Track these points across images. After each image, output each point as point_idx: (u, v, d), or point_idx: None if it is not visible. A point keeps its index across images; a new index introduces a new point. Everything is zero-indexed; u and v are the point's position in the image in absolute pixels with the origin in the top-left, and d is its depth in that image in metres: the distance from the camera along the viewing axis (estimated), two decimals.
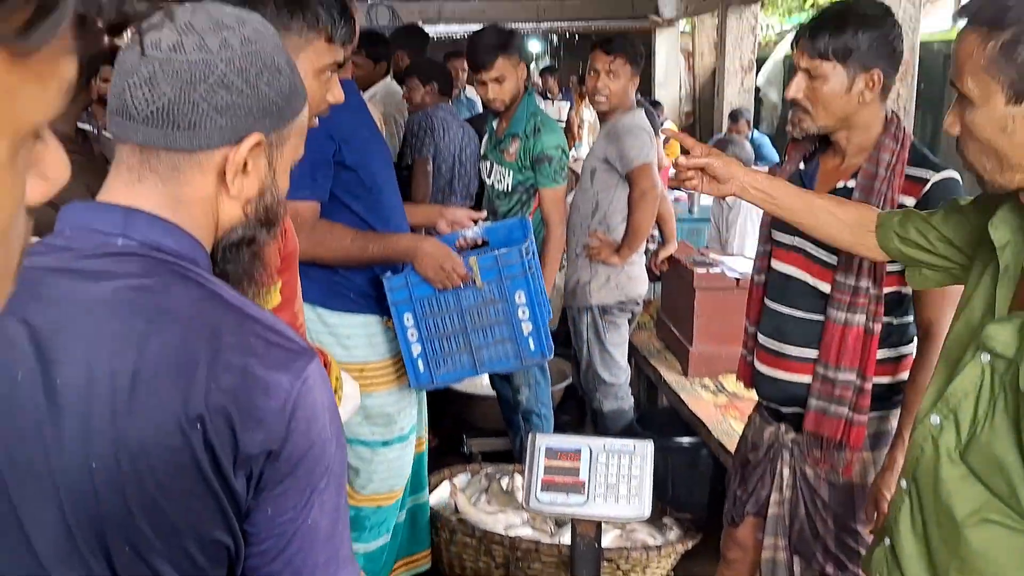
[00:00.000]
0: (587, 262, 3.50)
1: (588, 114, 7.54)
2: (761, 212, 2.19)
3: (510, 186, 3.27)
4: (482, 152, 3.50)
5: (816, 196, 1.83)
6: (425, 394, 2.69)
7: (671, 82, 10.60)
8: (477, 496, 3.15)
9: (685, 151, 1.88)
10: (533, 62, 12.84)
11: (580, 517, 1.83)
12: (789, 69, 2.30)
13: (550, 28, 11.57)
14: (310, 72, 1.57)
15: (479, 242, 2.60)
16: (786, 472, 2.14)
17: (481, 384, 4.06)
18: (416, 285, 2.32)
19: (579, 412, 4.40)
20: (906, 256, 1.69)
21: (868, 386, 1.97)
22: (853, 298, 1.93)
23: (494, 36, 3.19)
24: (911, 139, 1.97)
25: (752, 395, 2.31)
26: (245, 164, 0.93)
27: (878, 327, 1.94)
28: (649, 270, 3.69)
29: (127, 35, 0.38)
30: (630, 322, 3.66)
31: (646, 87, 3.16)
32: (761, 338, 2.15)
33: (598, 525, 1.86)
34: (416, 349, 2.38)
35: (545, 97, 9.56)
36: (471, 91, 7.18)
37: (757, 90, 8.73)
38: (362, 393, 1.93)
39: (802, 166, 2.09)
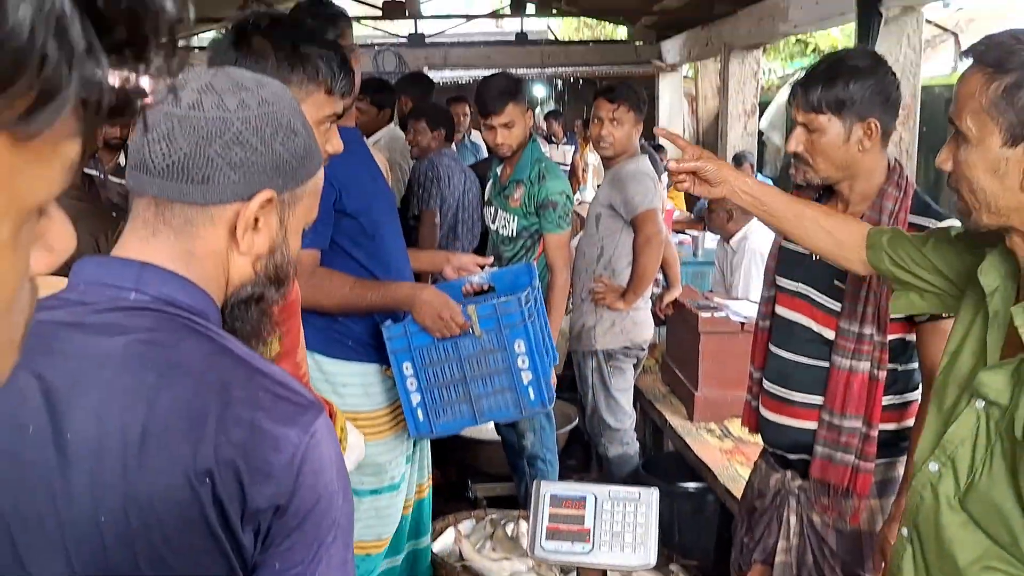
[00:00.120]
0: (592, 307, 3.51)
1: (592, 158, 7.60)
2: (766, 256, 2.20)
3: (515, 231, 3.29)
4: (486, 197, 3.53)
5: (806, 205, 1.83)
6: (428, 440, 2.67)
7: (674, 126, 10.68)
8: (482, 543, 3.12)
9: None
10: (538, 106, 12.97)
11: (585, 566, 1.81)
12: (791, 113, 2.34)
13: (555, 73, 11.70)
14: (310, 123, 1.59)
15: (485, 288, 2.61)
16: (793, 519, 2.12)
17: (486, 429, 4.04)
18: (415, 334, 2.31)
19: (584, 456, 4.37)
20: (896, 278, 1.68)
21: (874, 433, 1.96)
22: (857, 345, 1.93)
23: (505, 82, 3.25)
24: (914, 187, 1.99)
25: (758, 440, 2.30)
26: (256, 221, 0.95)
27: (883, 374, 1.94)
28: (654, 314, 3.70)
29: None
30: (636, 367, 3.65)
31: (650, 131, 3.20)
32: (766, 384, 2.14)
33: (603, 573, 1.84)
34: (415, 398, 2.36)
35: (550, 141, 9.63)
36: (476, 135, 7.26)
37: (760, 133, 8.79)
38: None
39: None
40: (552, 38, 12.29)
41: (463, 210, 4.30)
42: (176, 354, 0.88)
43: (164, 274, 0.91)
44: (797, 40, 11.34)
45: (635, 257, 3.42)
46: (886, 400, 1.97)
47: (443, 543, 3.07)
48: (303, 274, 2.03)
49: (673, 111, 10.68)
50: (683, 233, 6.03)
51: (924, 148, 5.38)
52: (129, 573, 0.85)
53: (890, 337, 1.94)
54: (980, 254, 1.43)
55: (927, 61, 5.59)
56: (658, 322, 3.80)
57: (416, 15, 9.34)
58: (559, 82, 13.79)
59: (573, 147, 9.29)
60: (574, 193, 4.59)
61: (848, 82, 1.89)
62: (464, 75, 10.95)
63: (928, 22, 6.13)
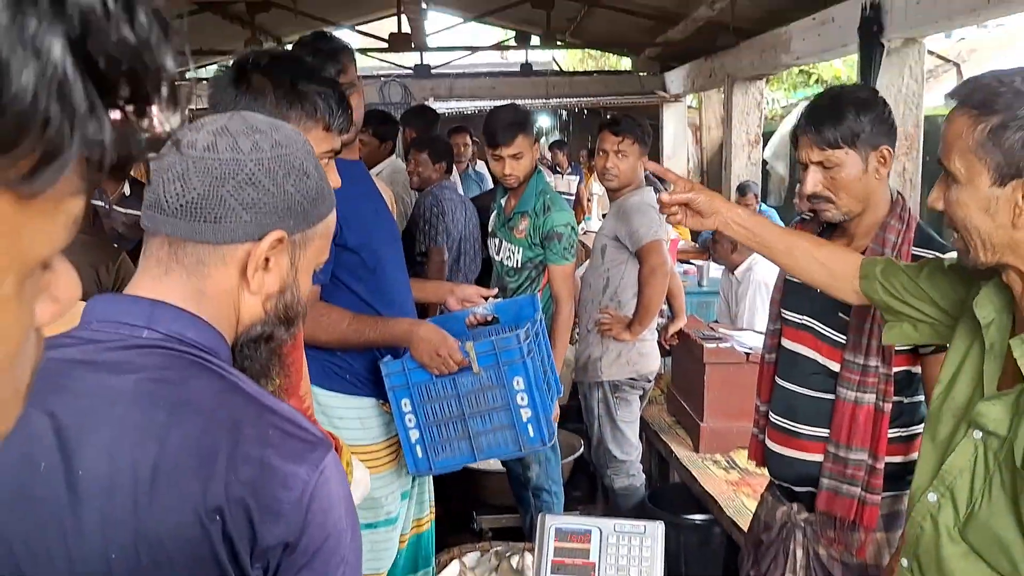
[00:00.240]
0: (598, 337, 3.51)
1: (597, 187, 7.64)
2: (771, 286, 2.20)
3: (520, 262, 3.30)
4: (490, 229, 3.54)
5: (799, 236, 1.85)
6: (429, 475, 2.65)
7: (679, 155, 10.73)
8: (487, 575, 3.10)
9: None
10: (543, 137, 13.05)
11: None
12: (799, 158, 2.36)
13: (559, 104, 11.78)
14: None
15: (489, 319, 2.61)
16: (799, 552, 2.11)
17: (491, 460, 4.03)
18: (413, 370, 2.30)
19: (590, 487, 4.35)
20: (889, 307, 1.69)
21: (880, 465, 1.95)
22: (863, 377, 1.93)
23: (514, 114, 3.28)
24: (916, 219, 1.99)
25: (764, 472, 2.29)
26: (267, 261, 0.96)
27: (888, 406, 1.93)
28: (659, 345, 3.70)
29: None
30: (641, 398, 3.65)
31: (654, 160, 3.22)
32: (772, 416, 2.14)
33: None
34: (414, 435, 2.35)
35: (555, 171, 9.68)
36: (481, 166, 7.31)
37: (764, 163, 8.82)
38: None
39: None
40: (557, 69, 12.37)
41: (464, 241, 4.34)
42: (187, 392, 0.89)
43: (176, 312, 0.93)
44: (800, 71, 11.41)
45: (641, 288, 3.42)
46: (892, 432, 1.96)
47: None
48: None
49: (677, 141, 10.73)
50: (687, 263, 6.04)
51: (928, 178, 5.39)
52: None
53: (895, 369, 1.94)
54: (974, 284, 1.45)
55: (929, 91, 5.62)
56: (663, 352, 3.80)
57: (422, 47, 9.42)
58: (564, 112, 13.87)
59: (578, 177, 9.34)
60: (579, 223, 4.61)
61: (857, 114, 1.90)
62: (469, 106, 11.03)
63: (930, 53, 6.18)
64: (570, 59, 15.58)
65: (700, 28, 7.55)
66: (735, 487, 3.20)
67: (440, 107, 10.34)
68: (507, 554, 3.23)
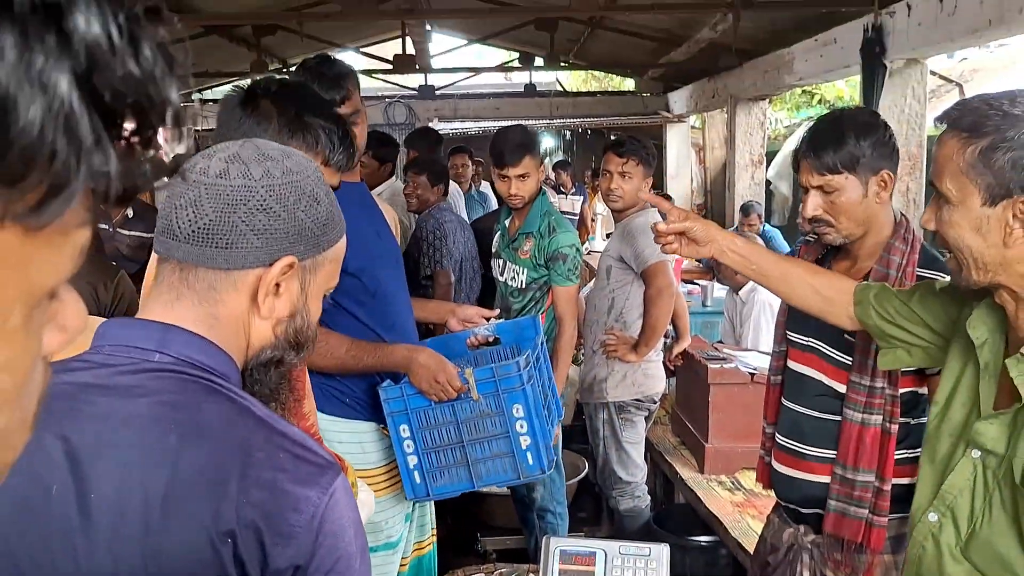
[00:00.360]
0: (604, 358, 3.50)
1: (601, 208, 7.64)
2: (775, 307, 2.20)
3: (524, 283, 3.30)
4: (494, 250, 3.54)
5: (793, 263, 1.87)
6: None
7: (682, 175, 10.76)
8: None
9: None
10: (547, 157, 13.09)
11: None
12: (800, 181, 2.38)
13: (563, 124, 11.83)
14: None
15: (490, 340, 2.60)
16: (806, 575, 2.09)
17: None
18: (412, 396, 2.28)
19: (595, 508, 4.33)
20: (883, 332, 1.71)
21: (887, 487, 1.95)
22: (869, 399, 1.93)
23: (522, 135, 3.30)
24: (921, 241, 1.99)
25: (769, 493, 2.28)
26: (278, 286, 0.97)
27: (895, 427, 1.93)
28: (664, 365, 3.69)
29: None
30: (647, 419, 3.64)
31: (658, 180, 3.23)
32: (779, 438, 2.13)
33: None
34: (412, 460, 2.33)
35: (558, 191, 9.71)
36: (485, 186, 7.34)
37: (768, 183, 8.84)
38: None
39: None
40: (560, 90, 12.44)
41: (464, 262, 4.40)
42: (198, 415, 0.90)
43: (187, 336, 0.94)
44: (803, 91, 11.45)
45: (646, 309, 3.42)
46: (899, 454, 1.96)
47: None
48: None
49: (681, 161, 10.76)
50: (692, 283, 6.04)
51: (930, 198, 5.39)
52: None
53: (901, 390, 1.94)
54: (966, 305, 1.48)
55: (932, 112, 5.62)
56: (668, 373, 3.79)
57: (426, 68, 9.48)
58: (567, 133, 13.93)
59: (582, 197, 9.36)
60: (583, 243, 4.62)
61: (857, 139, 1.91)
62: (473, 126, 11.08)
63: (932, 73, 6.19)
64: (574, 80, 15.65)
65: (703, 49, 7.60)
66: (740, 508, 3.18)
67: (444, 128, 10.40)
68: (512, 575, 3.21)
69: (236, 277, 0.95)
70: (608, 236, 5.81)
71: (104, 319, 1.04)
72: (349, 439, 2.32)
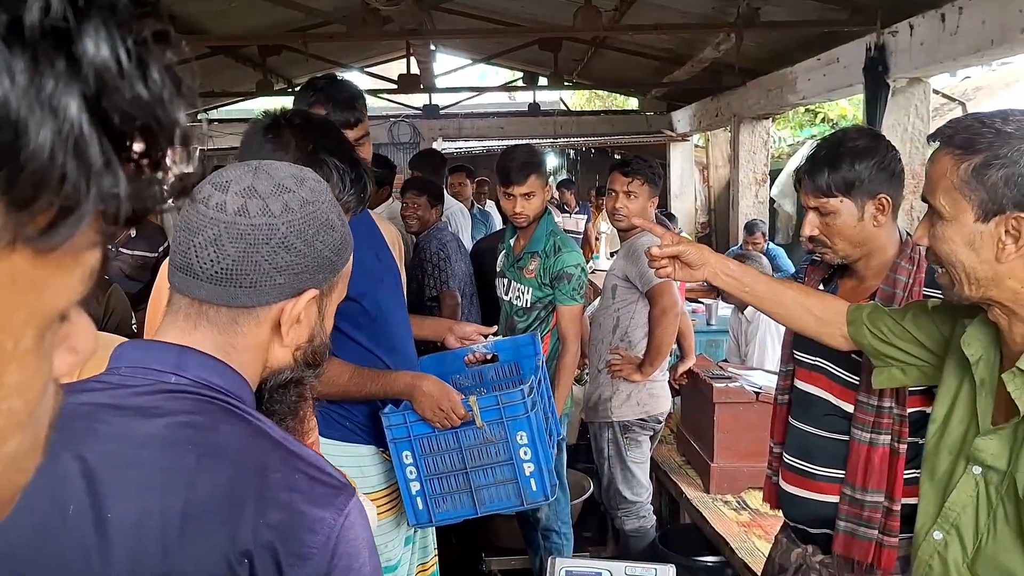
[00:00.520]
0: (609, 378, 3.50)
1: (605, 226, 7.66)
2: (781, 326, 2.20)
3: (529, 302, 3.30)
4: (499, 269, 3.55)
5: (787, 285, 1.90)
6: None
7: (686, 194, 10.78)
8: None
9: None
10: (551, 176, 13.13)
11: None
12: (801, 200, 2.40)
13: (567, 143, 11.87)
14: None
15: (488, 357, 2.60)
16: None
17: None
18: (415, 423, 2.27)
19: (600, 528, 4.31)
20: (878, 352, 1.73)
21: (896, 507, 1.94)
22: (877, 418, 1.92)
23: (529, 154, 3.33)
24: (927, 260, 1.99)
25: (775, 513, 2.27)
26: (298, 315, 0.98)
27: (904, 447, 1.92)
28: (668, 384, 3.68)
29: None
30: (652, 439, 3.62)
31: (662, 199, 3.25)
32: (787, 458, 2.13)
33: None
34: (415, 487, 2.32)
35: (563, 210, 9.73)
36: (490, 205, 7.36)
37: (772, 201, 8.85)
38: None
39: (821, 287, 2.11)
40: (564, 109, 12.48)
41: (464, 283, 4.42)
42: (215, 436, 0.91)
43: (203, 358, 0.94)
44: (807, 109, 11.48)
45: (651, 329, 3.42)
46: (908, 474, 1.94)
47: None
48: None
49: (684, 180, 10.78)
50: (697, 302, 6.03)
51: None
52: None
53: (909, 410, 1.93)
54: (958, 322, 1.50)
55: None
56: (673, 392, 3.78)
57: (430, 88, 9.53)
58: (571, 152, 13.97)
59: (586, 216, 9.37)
60: (587, 262, 4.63)
61: (853, 163, 1.92)
62: (477, 146, 11.12)
63: (935, 92, 6.21)
64: (577, 99, 15.72)
65: (706, 68, 7.63)
66: (746, 528, 3.17)
67: (448, 147, 10.43)
68: None
69: (259, 312, 0.96)
70: (612, 255, 5.82)
71: (122, 339, 1.05)
72: (349, 463, 2.30)
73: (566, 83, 10.16)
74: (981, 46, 4.35)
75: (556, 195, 10.21)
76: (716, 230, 10.25)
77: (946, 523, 1.40)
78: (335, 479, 0.93)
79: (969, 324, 1.46)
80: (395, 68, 9.06)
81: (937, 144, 1.40)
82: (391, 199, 4.99)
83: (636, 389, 3.46)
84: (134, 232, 4.57)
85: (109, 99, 0.33)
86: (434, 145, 9.55)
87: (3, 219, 0.31)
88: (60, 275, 0.35)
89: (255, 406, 0.99)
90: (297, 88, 9.31)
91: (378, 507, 2.36)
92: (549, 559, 1.86)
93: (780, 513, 2.23)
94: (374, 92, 9.24)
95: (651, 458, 3.70)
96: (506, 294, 3.43)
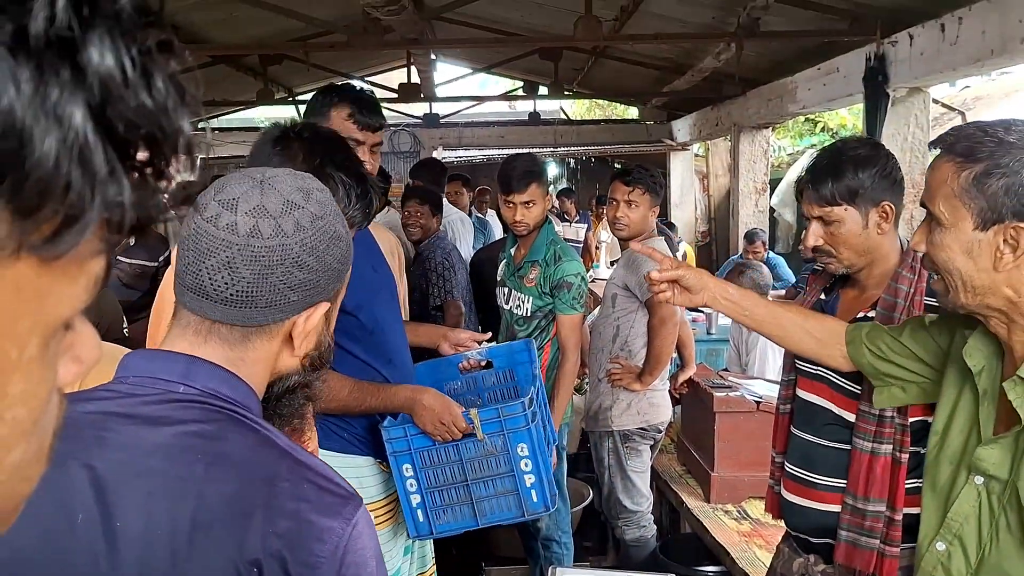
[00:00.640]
0: (609, 387, 3.49)
1: (605, 235, 7.66)
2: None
3: (529, 311, 3.30)
4: (499, 278, 3.55)
5: (785, 308, 1.91)
6: None
7: (686, 203, 10.78)
8: None
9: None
10: (552, 185, 13.14)
11: None
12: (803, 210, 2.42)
13: (567, 152, 11.88)
14: None
15: (483, 364, 2.60)
16: None
17: None
18: (415, 436, 2.27)
19: (601, 537, 4.30)
20: (877, 371, 1.73)
21: (898, 517, 1.93)
22: (879, 428, 1.92)
23: (530, 163, 3.34)
24: (923, 266, 1.99)
25: (776, 523, 2.26)
26: None
27: (906, 457, 1.92)
28: (669, 393, 3.67)
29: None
30: (652, 448, 3.62)
31: (662, 208, 3.26)
32: (788, 467, 2.12)
33: None
34: (415, 499, 2.31)
35: (563, 219, 9.74)
36: (491, 214, 7.37)
37: (771, 210, 8.85)
38: None
39: (823, 297, 2.11)
40: (564, 118, 12.50)
41: (466, 292, 4.43)
42: (224, 446, 0.91)
43: (211, 368, 0.95)
44: (807, 119, 11.50)
45: (650, 338, 3.41)
46: (910, 483, 1.94)
47: None
48: None
49: (684, 189, 10.79)
50: (696, 310, 6.03)
51: None
52: None
53: (911, 419, 1.92)
54: (956, 334, 1.51)
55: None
56: (673, 401, 3.78)
57: (431, 97, 9.55)
58: (571, 161, 13.99)
59: (586, 225, 9.38)
60: (587, 271, 4.64)
61: (856, 171, 1.92)
62: (478, 154, 11.13)
63: (935, 102, 6.22)
64: (578, 108, 15.75)
65: (706, 78, 7.64)
66: (747, 538, 3.16)
67: (448, 156, 10.44)
68: None
69: (271, 327, 0.97)
70: (612, 264, 5.82)
71: (122, 348, 1.06)
72: (348, 474, 2.27)
73: (566, 92, 10.17)
74: (981, 56, 4.36)
75: (556, 204, 10.22)
76: (716, 239, 10.25)
77: (949, 534, 1.40)
78: (343, 488, 0.94)
79: (970, 335, 1.46)
80: (396, 77, 9.09)
81: (938, 151, 1.41)
82: (387, 208, 5.00)
83: (636, 398, 3.45)
84: (133, 240, 4.56)
85: (114, 108, 0.33)
86: (434, 154, 9.56)
87: (8, 227, 0.31)
88: (64, 283, 0.35)
89: (262, 415, 0.99)
90: (297, 97, 9.29)
91: (376, 517, 2.35)
92: (549, 569, 1.86)
93: (781, 523, 2.22)
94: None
95: (651, 467, 3.69)
96: (506, 303, 3.43)
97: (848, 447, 1.98)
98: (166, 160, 0.36)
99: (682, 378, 3.76)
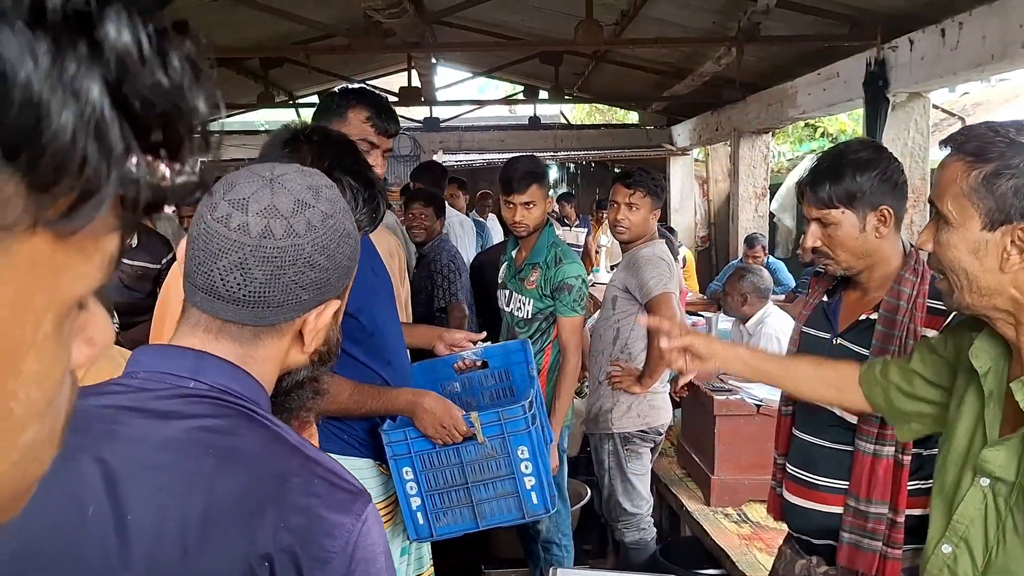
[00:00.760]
0: (609, 389, 3.49)
1: (605, 239, 7.66)
2: (784, 338, 2.20)
3: (530, 313, 3.31)
4: (500, 280, 3.55)
5: (799, 361, 1.92)
6: None
7: (686, 208, 10.79)
8: None
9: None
10: (552, 189, 13.15)
11: None
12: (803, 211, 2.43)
13: (567, 157, 11.89)
14: None
15: (478, 364, 2.60)
16: None
17: None
18: (415, 439, 2.27)
19: (600, 540, 4.29)
20: (894, 410, 1.73)
21: (901, 519, 1.93)
22: (881, 430, 1.92)
23: (531, 164, 3.35)
24: (931, 272, 1.99)
25: (777, 526, 2.26)
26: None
27: (908, 459, 1.92)
28: (669, 396, 3.67)
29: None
30: (653, 451, 3.61)
31: (662, 213, 3.27)
32: (790, 468, 2.12)
33: None
34: (415, 502, 2.31)
35: (563, 223, 9.74)
36: (492, 218, 7.37)
37: (771, 215, 8.85)
38: None
39: (825, 299, 2.11)
40: (564, 122, 12.51)
41: (466, 294, 4.46)
42: (234, 441, 0.91)
43: (220, 364, 0.95)
44: (806, 124, 11.51)
45: (650, 341, 3.41)
46: (912, 485, 1.94)
47: None
48: None
49: (684, 194, 10.80)
50: (697, 315, 6.03)
51: None
52: None
53: None
54: (965, 337, 1.50)
55: (935, 145, 5.65)
56: (673, 404, 3.77)
57: (431, 100, 9.56)
58: (571, 165, 13.99)
59: (586, 229, 9.39)
60: (587, 275, 4.65)
61: (855, 174, 1.92)
62: (478, 158, 11.14)
63: (935, 107, 6.23)
64: (578, 113, 15.76)
65: (706, 82, 7.65)
66: (747, 541, 3.15)
67: (449, 160, 10.45)
68: None
69: (282, 326, 0.97)
70: (612, 268, 5.82)
71: (122, 349, 1.06)
72: None
73: (567, 97, 10.18)
74: (981, 61, 4.37)
75: (556, 208, 10.22)
76: (716, 244, 10.25)
77: (955, 536, 1.39)
78: (352, 485, 0.94)
79: (977, 337, 1.46)
80: (396, 81, 9.08)
81: (948, 150, 1.40)
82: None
83: (637, 401, 3.45)
84: (135, 242, 4.55)
85: (130, 85, 0.33)
86: (434, 158, 9.56)
87: (24, 201, 0.31)
88: (80, 260, 0.35)
89: (271, 410, 0.99)
90: (298, 100, 9.28)
91: None
92: (550, 571, 1.85)
93: (781, 526, 2.22)
94: None
95: (652, 470, 3.69)
96: (507, 305, 3.43)
97: (850, 448, 1.98)
98: (181, 140, 0.36)
99: (682, 381, 3.75)
